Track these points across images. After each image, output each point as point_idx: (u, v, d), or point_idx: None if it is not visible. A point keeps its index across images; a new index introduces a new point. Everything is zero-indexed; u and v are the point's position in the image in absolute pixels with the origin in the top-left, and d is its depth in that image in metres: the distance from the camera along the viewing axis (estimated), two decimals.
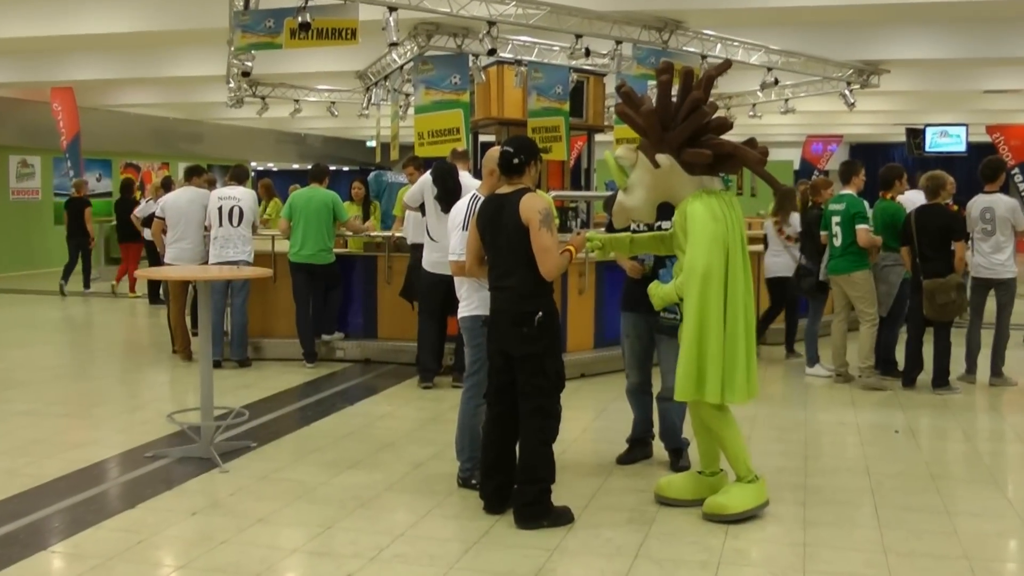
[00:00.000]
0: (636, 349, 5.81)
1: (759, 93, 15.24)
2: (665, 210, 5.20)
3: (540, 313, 4.78)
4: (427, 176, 8.08)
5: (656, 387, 5.90)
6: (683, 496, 5.17)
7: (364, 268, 9.56)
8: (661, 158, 4.88)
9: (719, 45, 11.86)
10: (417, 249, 8.27)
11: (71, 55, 14.94)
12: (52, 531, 4.85)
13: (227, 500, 5.27)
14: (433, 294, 7.92)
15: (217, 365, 8.21)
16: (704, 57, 11.68)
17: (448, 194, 7.75)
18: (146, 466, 5.90)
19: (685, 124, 4.88)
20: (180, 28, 11.52)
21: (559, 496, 4.98)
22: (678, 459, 5.85)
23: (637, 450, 6.00)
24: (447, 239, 7.67)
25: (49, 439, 6.53)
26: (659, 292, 5.05)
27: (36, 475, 5.67)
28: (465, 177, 7.84)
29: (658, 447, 6.03)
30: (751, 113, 16.62)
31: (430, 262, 7.87)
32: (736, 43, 11.99)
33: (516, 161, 4.91)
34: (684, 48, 11.51)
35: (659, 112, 4.98)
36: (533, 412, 4.84)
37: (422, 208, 8.11)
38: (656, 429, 6.00)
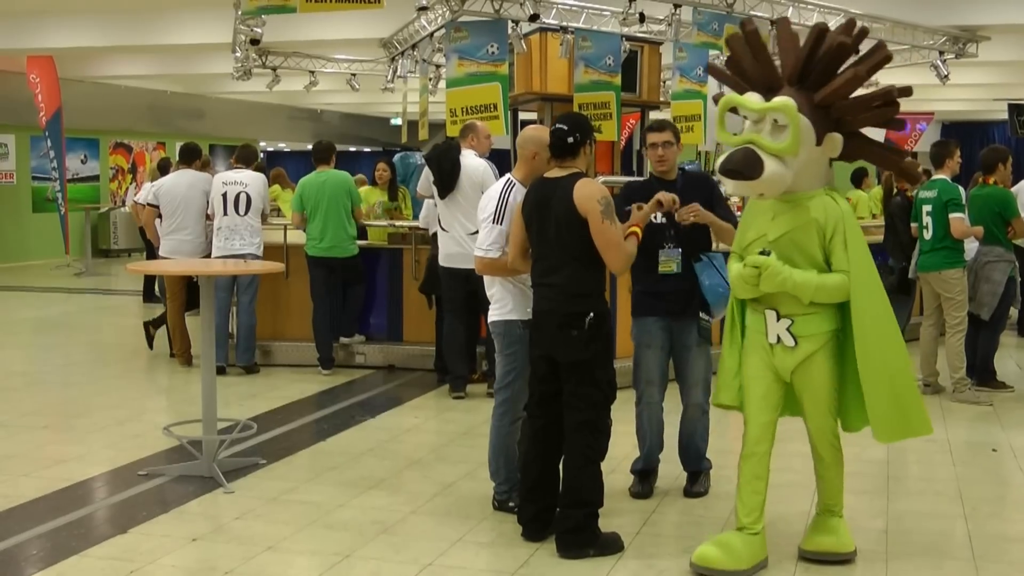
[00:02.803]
0: (659, 360, 5.66)
1: None
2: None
3: (591, 315, 4.79)
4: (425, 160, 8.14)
5: (666, 401, 5.76)
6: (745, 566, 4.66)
7: (388, 262, 9.62)
8: (836, 137, 4.51)
9: (791, 8, 11.78)
10: (436, 239, 8.35)
11: (51, 19, 14.98)
12: (30, 559, 4.90)
13: (232, 524, 5.32)
14: (454, 290, 7.96)
15: (221, 371, 8.30)
16: (773, 23, 11.59)
17: (443, 177, 7.77)
18: (139, 485, 5.97)
19: (845, 85, 4.44)
20: None
21: (607, 522, 5.00)
22: (695, 483, 5.81)
23: (652, 480, 5.85)
24: (458, 227, 7.81)
25: (25, 454, 6.62)
26: (790, 279, 4.51)
27: (11, 495, 5.74)
28: (467, 157, 7.84)
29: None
30: None
31: (445, 255, 7.93)
32: (811, 6, 11.91)
33: (571, 140, 4.91)
34: (751, 12, 11.45)
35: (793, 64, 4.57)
36: (580, 426, 4.85)
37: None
38: (665, 450, 5.89)
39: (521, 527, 5.09)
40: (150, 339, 10.01)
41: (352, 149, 33.71)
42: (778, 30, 4.73)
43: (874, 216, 12.89)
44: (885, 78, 17.39)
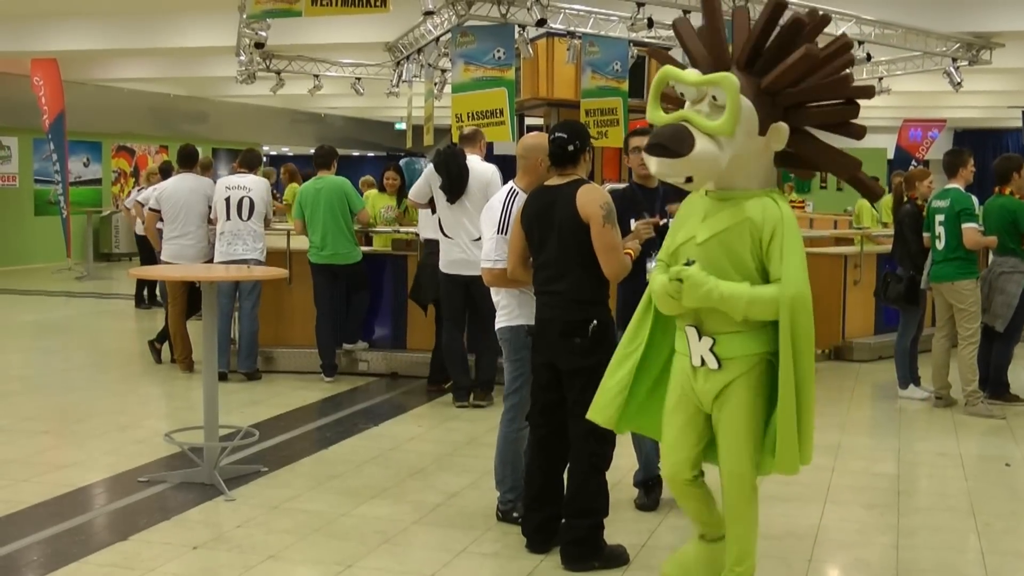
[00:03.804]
0: None
1: (849, 71, 15.11)
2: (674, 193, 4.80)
3: (594, 322, 4.80)
4: (431, 166, 8.14)
5: None
6: None
7: (392, 269, 9.63)
8: (782, 127, 4.01)
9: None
10: (430, 245, 8.35)
11: (55, 22, 15.07)
12: (30, 565, 4.93)
13: (233, 533, 5.33)
14: (454, 298, 7.99)
15: (223, 377, 8.30)
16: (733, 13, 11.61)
17: (452, 181, 7.81)
18: (140, 492, 5.98)
19: (793, 67, 3.94)
20: None
21: (613, 533, 4.99)
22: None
23: (658, 491, 5.78)
24: (463, 234, 7.82)
25: (25, 460, 6.63)
26: (706, 289, 4.00)
27: (10, 500, 5.76)
28: (474, 161, 7.88)
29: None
30: None
31: (447, 262, 7.96)
32: (822, 12, 11.91)
33: (571, 148, 4.92)
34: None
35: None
36: (585, 435, 4.85)
37: (431, 204, 8.17)
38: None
39: (525, 538, 5.09)
40: (157, 353, 10.01)
41: (356, 153, 33.78)
42: (735, 19, 4.32)
43: (884, 225, 12.89)
44: (899, 84, 17.31)
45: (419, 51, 13.22)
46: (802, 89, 3.99)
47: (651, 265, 5.36)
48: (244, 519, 5.50)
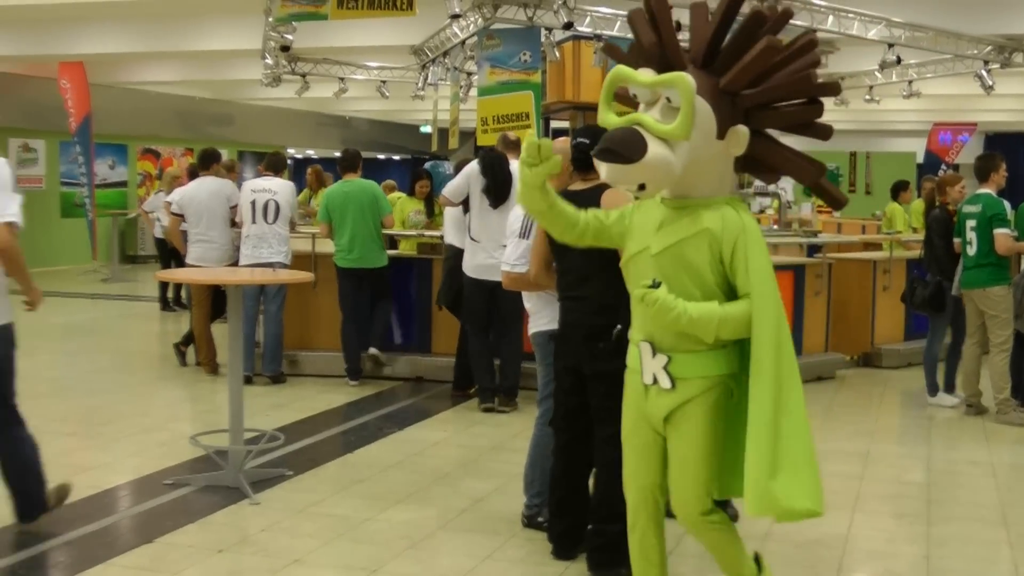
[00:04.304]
0: None
1: (878, 74, 15.03)
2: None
3: (619, 327, 4.79)
4: (472, 166, 8.17)
5: None
6: None
7: (417, 273, 9.64)
8: (741, 131, 3.71)
9: (831, 17, 11.74)
10: (455, 249, 8.37)
11: (82, 25, 15.19)
12: (57, 566, 4.98)
13: (258, 536, 5.35)
14: (477, 302, 8.02)
15: (248, 381, 8.34)
16: (813, 32, 11.56)
17: (498, 186, 7.86)
18: (165, 495, 6.02)
19: (753, 63, 3.65)
20: None
21: None
22: (726, 506, 5.71)
23: None
24: (492, 239, 7.83)
25: (52, 461, 6.57)
26: (690, 316, 3.69)
27: None
28: (516, 167, 7.91)
29: None
30: (868, 97, 16.41)
31: (472, 266, 8.00)
32: (851, 15, 11.86)
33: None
34: (791, 22, 11.41)
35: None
36: (610, 439, 4.81)
37: (465, 204, 8.19)
38: None
39: (551, 544, 5.08)
40: (182, 356, 10.06)
41: (381, 157, 33.85)
42: (692, 14, 3.94)
43: (915, 230, 12.81)
44: (929, 87, 17.13)
45: (445, 54, 13.24)
46: (763, 89, 3.70)
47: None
48: (269, 523, 5.52)
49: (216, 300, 9.52)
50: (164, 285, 13.94)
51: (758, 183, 19.59)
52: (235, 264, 9.20)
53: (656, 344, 3.80)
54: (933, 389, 8.78)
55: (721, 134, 3.71)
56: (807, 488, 3.61)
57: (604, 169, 3.70)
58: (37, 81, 18.95)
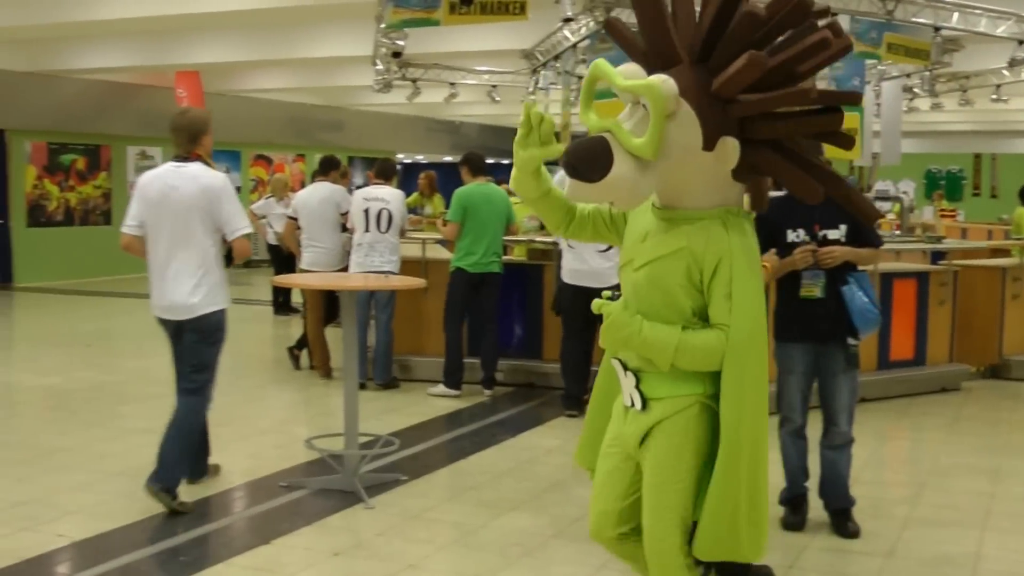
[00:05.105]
0: (802, 387, 5.56)
1: (1006, 72, 14.68)
2: None
3: None
4: None
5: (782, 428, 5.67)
6: None
7: (528, 279, 9.66)
8: (731, 143, 3.21)
9: (956, 14, 11.50)
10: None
11: (197, 35, 15.63)
12: (177, 566, 5.09)
13: (373, 540, 5.42)
14: (575, 309, 8.01)
15: (360, 387, 8.43)
16: (937, 29, 11.35)
17: None
18: (280, 497, 6.13)
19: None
20: (320, 3, 11.94)
21: None
22: (847, 521, 5.59)
23: (805, 508, 5.70)
24: (586, 245, 7.79)
25: None
26: (644, 336, 3.36)
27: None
28: None
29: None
30: (995, 96, 16.02)
31: (568, 271, 8.02)
32: (978, 11, 11.59)
33: None
34: (913, 19, 11.22)
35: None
36: None
37: None
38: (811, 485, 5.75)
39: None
40: (295, 360, 10.24)
41: (490, 161, 34.01)
42: (675, 7, 3.40)
43: None
44: None
45: (556, 58, 13.29)
46: (762, 99, 3.18)
47: (806, 280, 5.32)
48: (383, 527, 5.59)
49: (328, 305, 9.68)
50: (277, 289, 14.21)
51: (879, 186, 19.28)
52: (345, 269, 9.32)
53: (625, 362, 3.50)
54: None
55: (709, 144, 3.22)
56: (757, 538, 3.43)
57: (567, 185, 3.31)
58: (154, 90, 19.46)
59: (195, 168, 6.07)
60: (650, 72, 3.26)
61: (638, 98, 3.24)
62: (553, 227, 3.74)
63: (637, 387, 3.44)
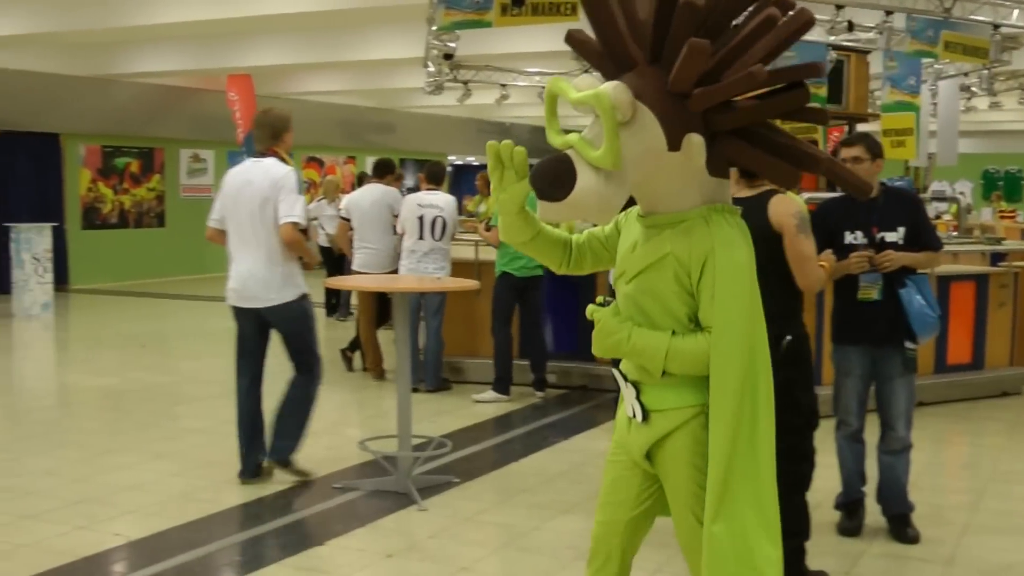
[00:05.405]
0: (859, 390, 5.53)
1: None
2: None
3: (788, 337, 4.71)
4: None
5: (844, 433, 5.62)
6: None
7: (580, 281, 9.62)
8: (695, 140, 3.09)
9: (1016, 11, 11.34)
10: None
11: (249, 39, 15.78)
12: (231, 565, 5.18)
13: (426, 543, 5.44)
14: None
15: (413, 390, 8.47)
16: (996, 27, 11.20)
17: None
18: (334, 498, 6.19)
19: (732, 71, 3.06)
20: (371, 5, 11.99)
21: (815, 556, 4.89)
22: (906, 527, 5.55)
23: (861, 513, 5.67)
24: None
25: (225, 461, 6.90)
26: (636, 343, 3.25)
27: (213, 501, 6.06)
28: None
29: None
30: None
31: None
32: None
33: None
34: (971, 16, 11.08)
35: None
36: (780, 453, 4.76)
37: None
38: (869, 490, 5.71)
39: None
40: (348, 361, 10.32)
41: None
42: (621, 6, 3.22)
43: None
44: None
45: None
46: (711, 90, 3.05)
47: (864, 283, 5.30)
48: (437, 529, 5.61)
49: (381, 306, 9.73)
50: (330, 291, 14.30)
51: (935, 186, 19.07)
52: (394, 272, 9.36)
53: (624, 371, 3.37)
54: None
55: (674, 144, 3.10)
56: (749, 531, 3.27)
57: (537, 206, 3.18)
58: (206, 94, 19.71)
59: (269, 163, 6.39)
60: (611, 78, 3.15)
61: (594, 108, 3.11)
62: (554, 267, 3.59)
63: (638, 398, 3.33)
